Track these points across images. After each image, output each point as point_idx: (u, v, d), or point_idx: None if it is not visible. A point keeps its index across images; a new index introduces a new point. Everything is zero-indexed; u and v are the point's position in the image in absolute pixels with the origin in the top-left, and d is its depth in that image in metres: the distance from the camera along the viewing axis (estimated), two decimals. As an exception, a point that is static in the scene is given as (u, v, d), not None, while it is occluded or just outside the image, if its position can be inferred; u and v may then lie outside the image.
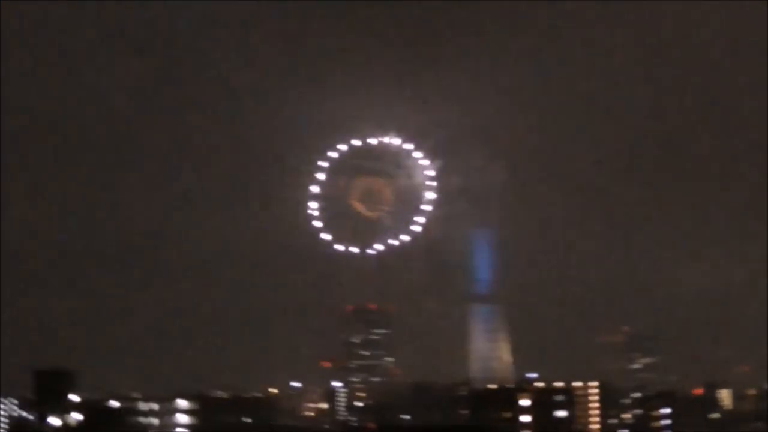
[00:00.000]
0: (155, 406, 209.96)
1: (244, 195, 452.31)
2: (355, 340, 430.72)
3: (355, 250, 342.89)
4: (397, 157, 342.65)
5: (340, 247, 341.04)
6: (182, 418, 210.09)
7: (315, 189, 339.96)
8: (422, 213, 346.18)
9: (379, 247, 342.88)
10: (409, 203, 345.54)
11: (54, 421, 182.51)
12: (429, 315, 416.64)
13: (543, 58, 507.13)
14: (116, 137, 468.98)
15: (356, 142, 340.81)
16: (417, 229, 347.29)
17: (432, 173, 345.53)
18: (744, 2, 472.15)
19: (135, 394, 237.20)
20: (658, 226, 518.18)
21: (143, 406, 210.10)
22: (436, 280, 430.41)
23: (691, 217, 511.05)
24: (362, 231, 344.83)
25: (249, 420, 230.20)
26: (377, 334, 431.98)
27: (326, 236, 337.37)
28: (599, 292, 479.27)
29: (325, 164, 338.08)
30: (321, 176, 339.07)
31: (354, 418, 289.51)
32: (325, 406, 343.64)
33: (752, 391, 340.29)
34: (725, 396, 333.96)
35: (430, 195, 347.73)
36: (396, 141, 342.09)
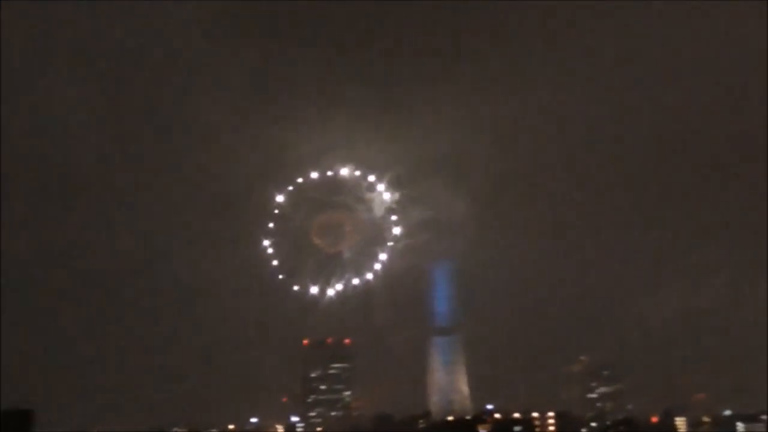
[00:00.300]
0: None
1: (205, 233, 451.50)
2: (313, 374, 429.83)
3: (313, 289, 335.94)
4: (358, 189, 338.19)
5: (297, 287, 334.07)
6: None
7: (270, 225, 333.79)
8: (384, 247, 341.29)
9: (339, 287, 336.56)
10: (371, 237, 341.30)
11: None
12: (388, 348, 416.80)
13: (506, 84, 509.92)
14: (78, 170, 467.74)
15: (314, 175, 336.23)
16: (378, 265, 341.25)
17: (393, 206, 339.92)
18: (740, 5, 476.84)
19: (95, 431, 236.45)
20: (618, 257, 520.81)
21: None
22: (395, 313, 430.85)
23: (652, 247, 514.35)
24: (322, 268, 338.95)
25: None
26: (335, 368, 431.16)
27: (283, 275, 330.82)
28: (557, 322, 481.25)
29: (281, 199, 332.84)
30: (277, 211, 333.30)
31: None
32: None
33: (707, 419, 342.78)
34: (681, 423, 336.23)
35: (393, 228, 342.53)
36: (356, 173, 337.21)
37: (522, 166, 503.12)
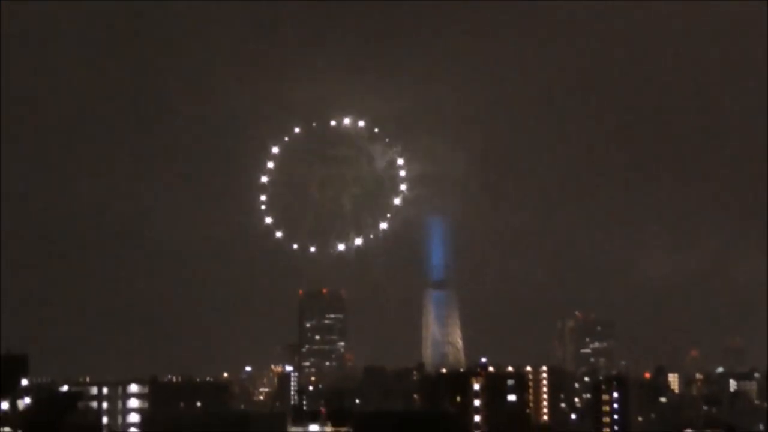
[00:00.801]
0: (106, 391, 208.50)
1: (206, 190, 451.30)
2: (308, 324, 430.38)
3: (312, 248, 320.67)
4: (359, 141, 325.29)
5: (295, 246, 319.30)
6: (134, 403, 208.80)
7: (264, 180, 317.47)
8: (387, 203, 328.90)
9: (341, 246, 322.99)
10: (372, 191, 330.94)
11: (2, 405, 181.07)
12: (383, 300, 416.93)
13: (514, 50, 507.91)
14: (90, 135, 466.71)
15: (314, 125, 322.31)
16: (383, 224, 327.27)
17: (397, 159, 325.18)
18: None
19: (85, 379, 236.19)
20: (617, 217, 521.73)
21: (94, 390, 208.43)
22: (391, 266, 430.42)
23: (651, 209, 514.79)
24: (321, 225, 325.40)
25: (201, 404, 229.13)
26: (330, 319, 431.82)
27: (279, 233, 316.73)
28: (553, 278, 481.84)
29: (277, 151, 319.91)
30: (273, 164, 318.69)
31: (305, 402, 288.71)
32: (276, 390, 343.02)
33: (700, 376, 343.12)
34: (674, 380, 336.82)
35: (394, 183, 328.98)
36: (359, 124, 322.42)
37: (518, 122, 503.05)
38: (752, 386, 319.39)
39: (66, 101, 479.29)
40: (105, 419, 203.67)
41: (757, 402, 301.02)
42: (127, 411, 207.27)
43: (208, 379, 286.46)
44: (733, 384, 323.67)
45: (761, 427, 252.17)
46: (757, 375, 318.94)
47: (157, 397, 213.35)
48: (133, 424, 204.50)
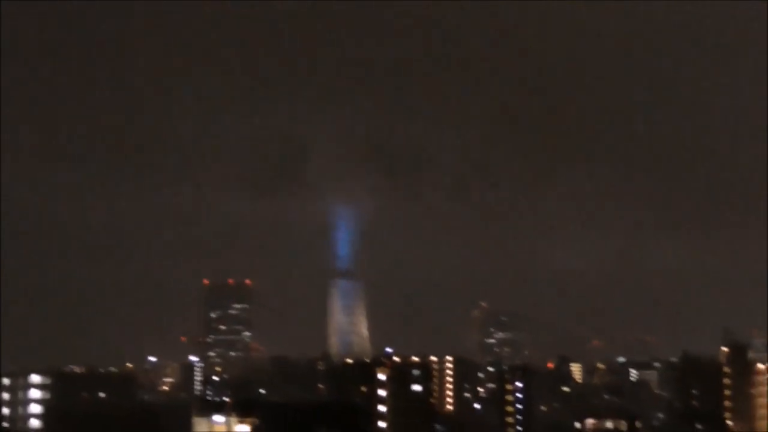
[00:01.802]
0: (6, 381, 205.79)
1: (107, 170, 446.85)
2: (213, 315, 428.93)
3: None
4: None
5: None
6: (35, 393, 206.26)
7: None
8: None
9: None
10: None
11: None
12: (289, 290, 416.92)
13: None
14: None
15: None
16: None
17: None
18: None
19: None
20: (523, 208, 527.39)
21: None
22: (297, 255, 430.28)
23: (557, 201, 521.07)
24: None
25: (104, 395, 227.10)
26: (235, 309, 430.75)
27: None
28: (459, 269, 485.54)
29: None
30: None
31: (210, 392, 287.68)
32: (180, 380, 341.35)
33: (602, 365, 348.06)
34: (576, 369, 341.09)
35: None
36: None
37: (425, 110, 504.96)
38: (653, 375, 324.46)
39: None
40: (5, 410, 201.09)
41: (657, 391, 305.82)
42: (29, 402, 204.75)
43: (111, 369, 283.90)
44: (634, 373, 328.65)
45: (661, 415, 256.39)
46: (657, 364, 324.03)
47: (59, 388, 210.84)
48: (35, 416, 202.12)
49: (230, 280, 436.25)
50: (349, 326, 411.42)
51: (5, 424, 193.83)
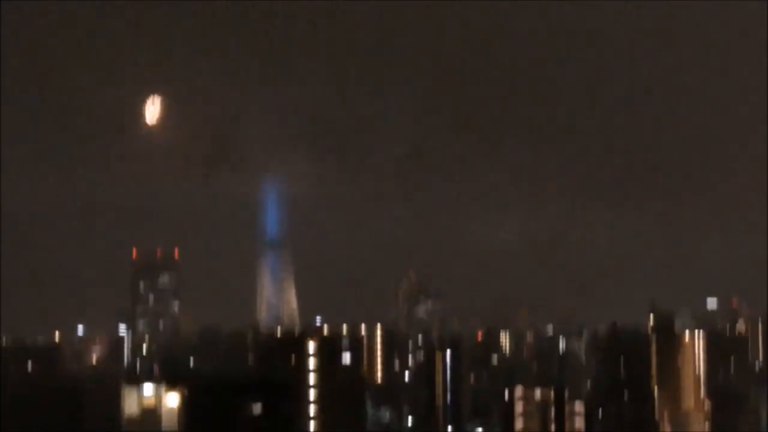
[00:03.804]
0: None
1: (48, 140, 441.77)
2: (141, 285, 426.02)
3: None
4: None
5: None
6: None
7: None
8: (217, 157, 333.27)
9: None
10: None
11: None
12: (217, 260, 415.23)
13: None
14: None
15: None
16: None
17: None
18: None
19: None
20: (455, 178, 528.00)
21: None
22: (225, 223, 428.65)
23: (490, 170, 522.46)
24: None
25: (31, 367, 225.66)
26: (164, 280, 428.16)
27: None
28: (388, 237, 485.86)
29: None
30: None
31: (139, 364, 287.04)
32: (109, 352, 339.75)
33: (530, 336, 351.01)
34: (505, 340, 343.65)
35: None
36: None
37: (372, 82, 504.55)
38: (581, 346, 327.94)
39: None
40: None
41: (585, 361, 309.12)
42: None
43: (38, 340, 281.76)
44: (562, 344, 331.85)
45: (588, 384, 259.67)
46: (584, 334, 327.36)
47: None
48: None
49: (158, 251, 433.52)
50: (278, 297, 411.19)
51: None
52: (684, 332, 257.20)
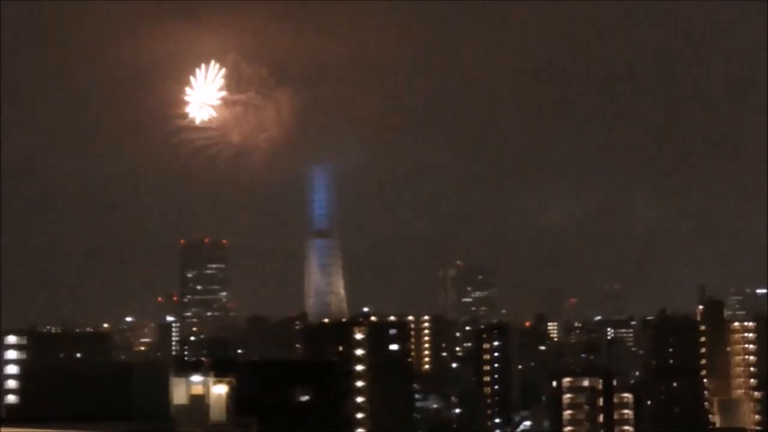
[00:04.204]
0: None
1: (100, 137, 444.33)
2: (189, 275, 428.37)
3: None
4: (264, 87, 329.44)
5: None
6: (12, 354, 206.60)
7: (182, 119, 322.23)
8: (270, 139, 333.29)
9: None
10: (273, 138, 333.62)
11: None
12: (266, 249, 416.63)
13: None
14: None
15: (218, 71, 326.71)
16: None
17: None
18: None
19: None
20: (502, 163, 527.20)
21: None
22: (275, 214, 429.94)
23: (536, 154, 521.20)
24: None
25: (81, 355, 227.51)
26: (212, 269, 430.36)
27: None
28: (435, 227, 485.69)
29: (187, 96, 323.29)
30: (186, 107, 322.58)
31: (187, 353, 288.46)
32: (158, 340, 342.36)
33: (579, 324, 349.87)
34: (554, 328, 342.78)
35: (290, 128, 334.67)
36: (262, 71, 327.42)
37: (417, 72, 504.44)
38: (629, 334, 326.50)
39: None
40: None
41: (633, 349, 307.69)
42: (5, 362, 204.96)
43: (87, 329, 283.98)
44: (610, 332, 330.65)
45: (637, 373, 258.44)
46: (634, 322, 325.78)
47: (36, 348, 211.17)
48: (12, 376, 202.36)
49: (206, 240, 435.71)
50: (326, 286, 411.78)
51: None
52: (734, 320, 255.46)
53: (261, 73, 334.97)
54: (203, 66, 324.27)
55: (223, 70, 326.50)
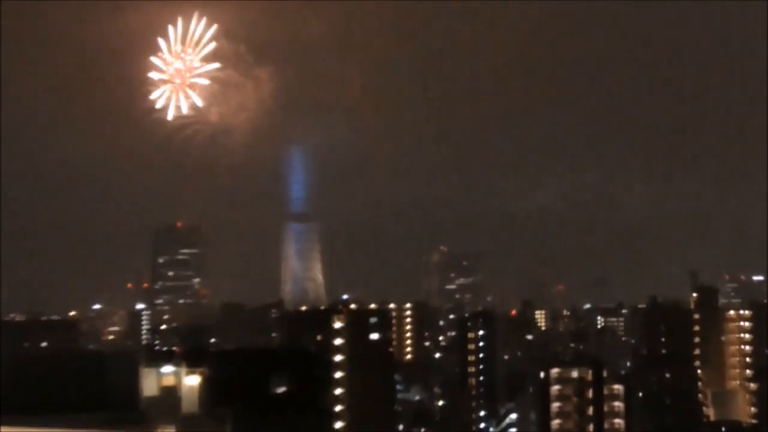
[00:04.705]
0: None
1: (67, 113, 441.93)
2: (161, 260, 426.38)
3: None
4: (242, 63, 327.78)
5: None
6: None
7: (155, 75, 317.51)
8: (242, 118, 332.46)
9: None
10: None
11: None
12: (240, 234, 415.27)
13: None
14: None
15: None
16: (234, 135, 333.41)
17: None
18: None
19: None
20: (485, 149, 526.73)
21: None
22: (249, 197, 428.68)
23: (523, 140, 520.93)
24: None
25: (47, 343, 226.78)
26: (184, 254, 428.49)
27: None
28: (417, 212, 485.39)
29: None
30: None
31: (158, 342, 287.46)
32: (127, 329, 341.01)
33: (567, 312, 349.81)
34: (540, 316, 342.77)
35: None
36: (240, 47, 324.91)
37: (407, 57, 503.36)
38: (620, 322, 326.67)
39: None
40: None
41: (624, 338, 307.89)
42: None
43: (54, 317, 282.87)
44: (600, 320, 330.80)
45: (628, 363, 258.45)
46: (624, 311, 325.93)
47: (0, 337, 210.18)
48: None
49: (179, 224, 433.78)
50: (304, 272, 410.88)
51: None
52: (729, 308, 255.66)
53: (239, 49, 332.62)
54: (180, 22, 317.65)
55: (214, 27, 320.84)
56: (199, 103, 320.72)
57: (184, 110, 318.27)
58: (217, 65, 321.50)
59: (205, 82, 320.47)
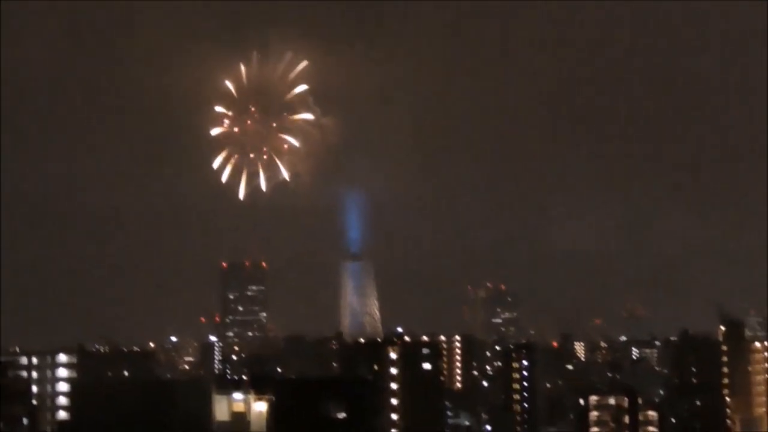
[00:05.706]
0: (35, 360, 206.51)
1: (145, 156, 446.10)
2: (231, 296, 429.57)
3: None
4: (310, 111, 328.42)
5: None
6: (62, 372, 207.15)
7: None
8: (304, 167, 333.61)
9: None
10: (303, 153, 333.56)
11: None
12: (303, 272, 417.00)
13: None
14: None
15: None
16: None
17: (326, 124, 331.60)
18: None
19: (15, 348, 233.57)
20: (528, 188, 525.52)
21: (24, 360, 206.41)
22: (310, 237, 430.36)
23: (563, 180, 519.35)
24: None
25: (127, 373, 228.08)
26: (252, 290, 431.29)
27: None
28: (464, 249, 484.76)
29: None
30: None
31: (229, 371, 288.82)
32: (200, 359, 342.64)
33: (604, 343, 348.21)
34: (579, 348, 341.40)
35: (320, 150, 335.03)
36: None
37: (448, 101, 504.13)
38: (653, 353, 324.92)
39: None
40: (35, 388, 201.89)
41: (657, 368, 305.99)
42: (56, 380, 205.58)
43: (134, 348, 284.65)
44: (635, 351, 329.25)
45: (661, 391, 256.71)
46: (657, 343, 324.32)
47: (84, 366, 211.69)
48: (63, 393, 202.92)
49: (246, 262, 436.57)
50: (361, 307, 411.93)
51: (34, 402, 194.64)
52: (755, 340, 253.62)
53: (307, 98, 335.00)
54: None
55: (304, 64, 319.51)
56: (286, 176, 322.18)
57: (264, 186, 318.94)
58: (310, 116, 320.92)
59: (295, 143, 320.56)
